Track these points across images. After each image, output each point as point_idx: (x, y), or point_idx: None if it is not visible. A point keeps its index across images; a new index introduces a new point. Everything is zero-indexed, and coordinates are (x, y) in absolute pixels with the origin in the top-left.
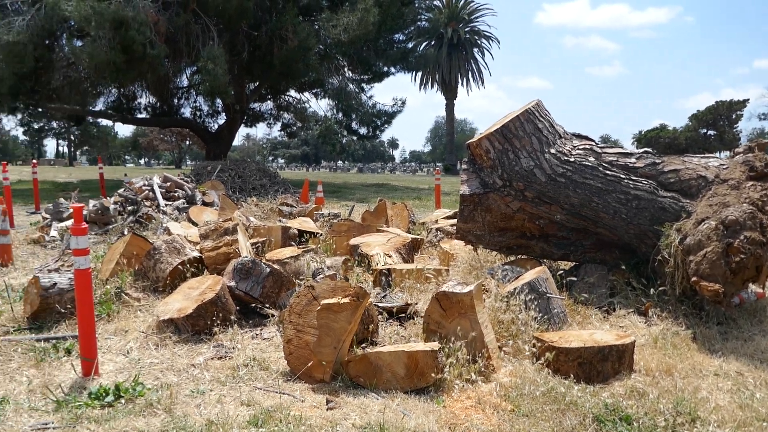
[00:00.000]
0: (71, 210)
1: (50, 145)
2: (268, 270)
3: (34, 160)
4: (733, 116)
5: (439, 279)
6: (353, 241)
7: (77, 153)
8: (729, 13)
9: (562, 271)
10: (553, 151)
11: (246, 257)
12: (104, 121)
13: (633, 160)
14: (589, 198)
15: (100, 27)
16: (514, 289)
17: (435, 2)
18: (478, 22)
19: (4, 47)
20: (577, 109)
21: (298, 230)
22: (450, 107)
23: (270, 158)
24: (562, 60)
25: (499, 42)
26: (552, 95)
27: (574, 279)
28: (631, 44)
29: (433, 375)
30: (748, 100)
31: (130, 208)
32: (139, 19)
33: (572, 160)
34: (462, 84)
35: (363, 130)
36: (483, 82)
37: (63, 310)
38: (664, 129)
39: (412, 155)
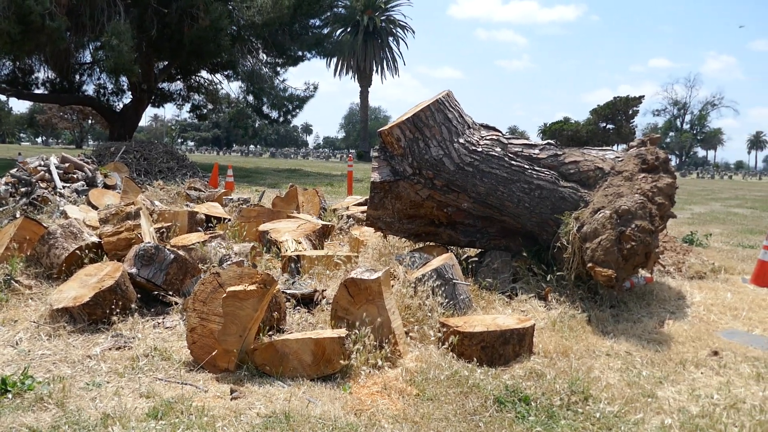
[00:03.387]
0: None
1: None
2: (172, 256)
3: None
4: (630, 111)
5: (348, 266)
6: (262, 227)
7: None
8: (630, 13)
9: (469, 258)
10: (461, 140)
11: (149, 243)
12: None
13: (537, 151)
14: (495, 187)
15: None
16: (422, 275)
17: None
18: (393, 11)
19: None
20: (488, 100)
21: (206, 215)
22: (364, 95)
23: (179, 140)
24: (474, 52)
25: (413, 32)
26: (464, 86)
27: (480, 264)
28: (540, 40)
29: (340, 362)
30: (644, 96)
31: (23, 189)
32: None
33: (480, 150)
34: (377, 72)
35: (274, 114)
36: (397, 71)
37: None
38: (567, 122)
39: (325, 141)
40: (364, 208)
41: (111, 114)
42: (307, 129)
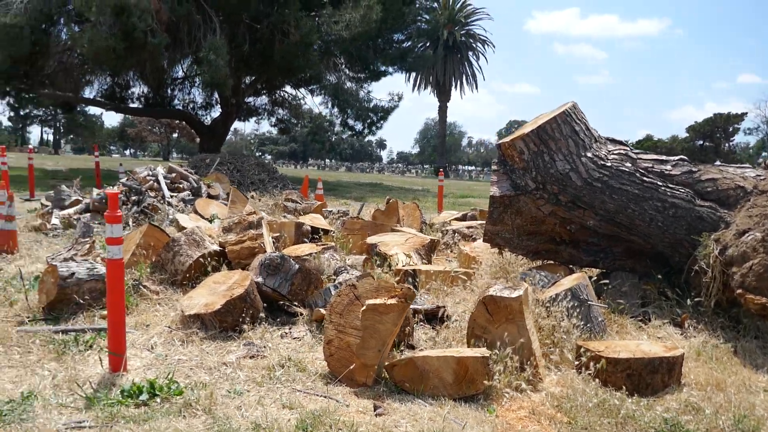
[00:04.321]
0: (73, 198)
1: (34, 132)
2: (296, 267)
3: (30, 146)
4: (730, 129)
5: (467, 282)
6: (370, 240)
7: (62, 141)
8: (717, 28)
9: (590, 278)
10: (589, 155)
11: (274, 253)
12: (92, 110)
13: (669, 167)
14: (626, 204)
15: (101, 12)
16: (555, 295)
17: (433, 4)
18: (474, 25)
19: (0, 29)
20: None
21: (311, 227)
22: (443, 110)
23: (258, 154)
24: (551, 67)
25: (494, 46)
26: (541, 101)
27: (606, 286)
28: (620, 54)
29: (483, 382)
30: (747, 114)
31: (134, 198)
32: (141, 6)
33: (609, 164)
34: (455, 87)
35: (359, 126)
36: (477, 86)
37: (81, 301)
38: (650, 139)
39: (399, 156)
40: (468, 223)
41: (201, 127)
42: (381, 144)
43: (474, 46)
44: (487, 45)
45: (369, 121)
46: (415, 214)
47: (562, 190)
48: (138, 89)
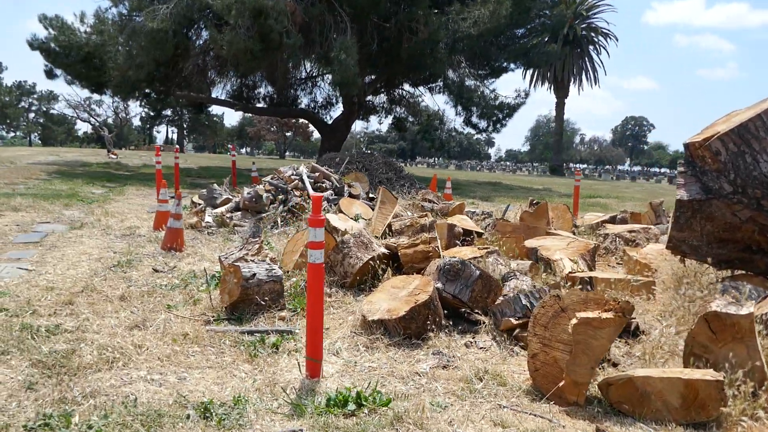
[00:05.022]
0: (224, 196)
1: (161, 131)
2: (477, 273)
3: (176, 146)
4: None
5: (649, 293)
6: (529, 243)
7: (184, 141)
8: None
9: None
10: None
11: (454, 258)
12: (214, 110)
13: None
14: None
15: (240, 15)
16: None
17: None
18: (596, 18)
19: (147, 34)
20: (686, 112)
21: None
22: (560, 106)
23: (367, 152)
24: (672, 60)
25: (617, 39)
26: (660, 97)
27: None
28: (750, 46)
29: (718, 409)
30: None
31: (280, 197)
32: (277, 8)
33: None
34: (574, 82)
35: (483, 124)
36: (597, 81)
37: (262, 302)
38: None
39: (507, 154)
40: (631, 226)
41: (323, 126)
42: (489, 141)
43: (595, 39)
44: (609, 38)
45: (494, 118)
46: (566, 216)
47: (766, 195)
48: (264, 89)
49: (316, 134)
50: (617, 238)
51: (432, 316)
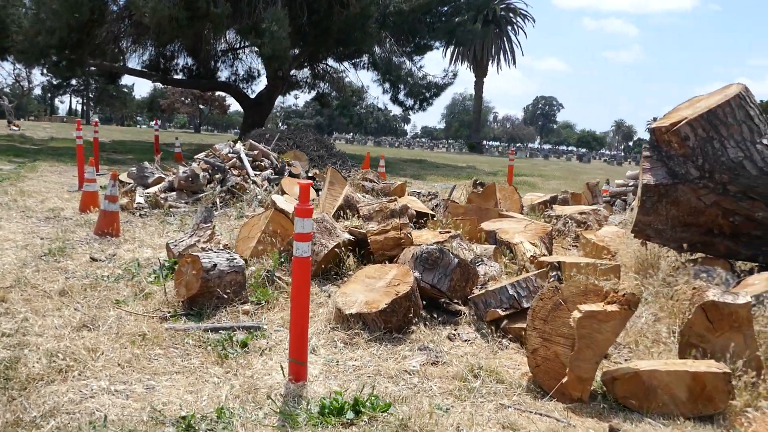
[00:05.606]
0: (156, 175)
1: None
2: (456, 261)
3: (95, 119)
4: None
5: (616, 277)
6: (486, 226)
7: (90, 112)
8: (753, 3)
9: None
10: (765, 141)
11: (432, 245)
12: (125, 80)
13: None
14: None
15: None
16: (758, 296)
17: None
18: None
19: None
20: (593, 92)
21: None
22: (479, 85)
23: (283, 127)
24: (581, 43)
25: (534, 20)
26: (569, 78)
27: None
28: (652, 30)
29: (726, 401)
30: None
31: (217, 176)
32: None
33: None
34: (492, 62)
35: (410, 102)
36: (515, 61)
37: (224, 295)
38: None
39: (423, 131)
40: (581, 208)
41: (246, 100)
42: (405, 118)
43: (514, 20)
44: (528, 19)
45: (422, 97)
46: (514, 197)
47: (733, 180)
48: (182, 60)
49: (233, 108)
50: (569, 220)
51: (412, 308)
